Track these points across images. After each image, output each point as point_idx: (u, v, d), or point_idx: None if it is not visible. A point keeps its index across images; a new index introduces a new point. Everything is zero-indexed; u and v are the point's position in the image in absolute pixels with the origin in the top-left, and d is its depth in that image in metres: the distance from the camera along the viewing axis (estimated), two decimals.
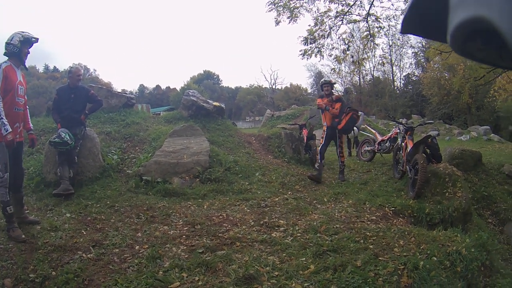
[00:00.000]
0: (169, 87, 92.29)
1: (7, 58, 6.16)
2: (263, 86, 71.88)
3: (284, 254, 5.32)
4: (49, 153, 8.55)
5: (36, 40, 6.39)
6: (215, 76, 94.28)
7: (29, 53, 6.37)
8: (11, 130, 5.78)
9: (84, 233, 6.04)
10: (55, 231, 6.01)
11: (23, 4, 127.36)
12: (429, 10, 0.71)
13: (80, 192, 7.97)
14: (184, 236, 5.99)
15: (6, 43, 6.13)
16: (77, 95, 8.50)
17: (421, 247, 5.48)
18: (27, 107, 6.70)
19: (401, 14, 14.76)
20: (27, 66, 6.61)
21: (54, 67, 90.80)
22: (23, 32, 6.24)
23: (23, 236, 5.79)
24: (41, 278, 4.76)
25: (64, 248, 5.47)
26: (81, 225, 6.40)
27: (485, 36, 0.58)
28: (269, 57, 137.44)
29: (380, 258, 5.08)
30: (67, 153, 8.04)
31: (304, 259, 5.12)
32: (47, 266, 5.00)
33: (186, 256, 5.29)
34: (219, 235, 6.05)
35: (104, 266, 5.06)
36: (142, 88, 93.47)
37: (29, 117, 6.82)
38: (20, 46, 6.13)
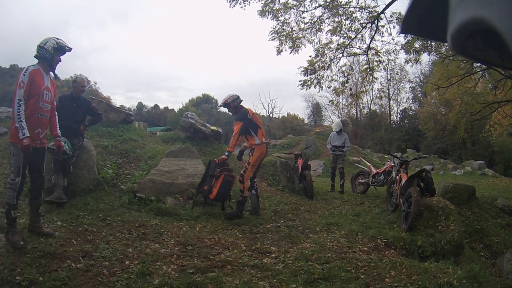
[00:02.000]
0: (167, 107, 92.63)
1: (37, 61, 6.11)
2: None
3: (274, 280, 5.29)
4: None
5: (70, 49, 6.35)
6: (213, 101, 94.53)
7: (60, 61, 6.29)
8: (28, 135, 5.67)
9: (75, 242, 5.97)
10: (45, 238, 5.94)
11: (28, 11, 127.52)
12: (429, 11, 0.72)
13: (72, 202, 7.93)
14: (175, 256, 5.94)
15: (39, 46, 6.07)
16: (78, 105, 8.54)
17: (412, 278, 5.46)
18: (56, 113, 6.59)
19: (400, 49, 14.97)
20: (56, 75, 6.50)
21: (56, 75, 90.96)
22: (58, 39, 6.21)
23: (22, 242, 5.68)
24: (28, 282, 4.68)
25: (53, 256, 5.40)
26: (71, 234, 6.33)
27: (485, 36, 0.59)
28: (268, 86, 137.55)
29: None
30: (64, 162, 8.04)
31: (295, 286, 5.10)
32: (35, 271, 4.93)
33: (176, 275, 5.23)
34: (210, 257, 6.01)
35: (93, 277, 4.99)
36: (140, 106, 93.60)
37: (57, 124, 6.69)
38: (53, 53, 6.08)
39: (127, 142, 11.84)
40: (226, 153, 9.08)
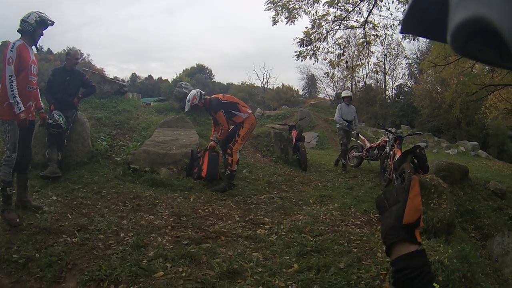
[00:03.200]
0: (161, 78, 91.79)
1: (20, 35, 6.12)
2: (255, 85, 71.64)
3: (268, 252, 5.35)
4: (38, 134, 8.51)
5: (52, 23, 6.36)
6: (207, 71, 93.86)
7: (42, 34, 6.32)
8: (24, 109, 5.78)
9: (70, 217, 6.02)
10: (41, 213, 5.99)
11: None
12: (429, 10, 0.72)
13: (67, 176, 7.95)
14: (169, 227, 6.00)
15: (22, 20, 6.09)
16: (72, 78, 8.49)
17: None
18: (37, 86, 6.60)
19: (398, 24, 14.80)
20: (38, 48, 6.55)
21: (48, 49, 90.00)
22: (40, 12, 6.21)
23: (18, 220, 5.73)
24: (25, 259, 4.73)
25: (49, 231, 5.45)
26: (66, 208, 6.38)
27: (485, 36, 0.60)
28: (263, 56, 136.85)
29: (363, 262, 5.12)
30: (58, 136, 8.04)
31: (288, 257, 5.15)
32: (31, 248, 4.98)
33: (171, 246, 5.30)
34: (204, 228, 6.07)
35: (88, 251, 5.04)
36: (134, 77, 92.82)
37: (39, 96, 6.74)
38: (35, 26, 6.10)
39: (121, 114, 11.81)
40: (215, 139, 9.00)
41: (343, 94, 13.05)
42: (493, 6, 0.53)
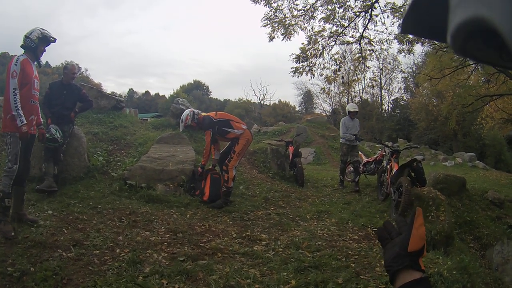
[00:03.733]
0: (158, 93, 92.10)
1: (23, 51, 6.22)
2: (252, 101, 71.90)
3: (265, 268, 5.30)
4: (35, 148, 8.44)
5: (54, 40, 6.49)
6: (204, 87, 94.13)
7: (45, 51, 6.44)
8: (26, 122, 5.84)
9: (65, 231, 5.97)
10: (36, 227, 5.95)
11: None
12: (429, 10, 0.71)
13: (63, 190, 7.92)
14: (165, 243, 5.95)
15: (25, 36, 6.20)
16: (69, 92, 8.51)
17: None
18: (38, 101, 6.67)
19: (394, 39, 14.91)
20: (41, 64, 6.63)
21: (47, 62, 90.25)
22: (43, 29, 6.32)
23: (13, 233, 5.69)
24: (19, 272, 4.67)
25: (44, 245, 5.40)
26: (62, 223, 6.33)
27: (485, 36, 0.59)
28: (260, 73, 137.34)
29: (361, 277, 5.07)
30: (54, 150, 8.02)
31: (285, 273, 5.09)
32: (26, 262, 4.92)
33: (167, 263, 5.25)
34: (201, 244, 6.02)
35: (84, 266, 4.99)
36: (131, 92, 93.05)
37: (39, 112, 6.79)
38: (37, 42, 6.21)
39: (117, 129, 11.82)
40: (200, 165, 9.12)
41: (349, 109, 12.74)
42: (493, 7, 0.52)
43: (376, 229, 7.75)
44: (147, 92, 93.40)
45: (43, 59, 6.52)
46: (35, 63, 6.35)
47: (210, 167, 9.22)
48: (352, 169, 12.51)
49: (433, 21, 0.71)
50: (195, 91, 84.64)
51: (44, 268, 4.77)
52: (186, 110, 9.28)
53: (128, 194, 8.30)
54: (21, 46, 6.24)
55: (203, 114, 9.13)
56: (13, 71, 5.89)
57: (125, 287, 4.43)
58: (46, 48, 6.45)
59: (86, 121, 11.76)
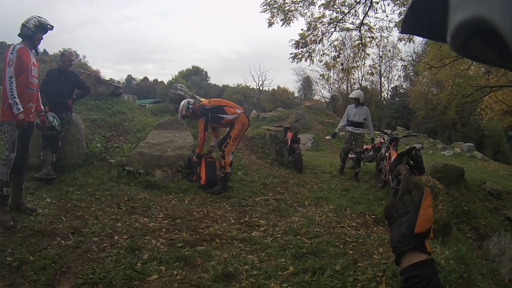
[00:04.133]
0: (156, 80, 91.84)
1: (21, 39, 6.23)
2: (250, 87, 71.72)
3: (263, 254, 5.32)
4: (33, 136, 8.45)
5: (51, 27, 6.48)
6: (203, 73, 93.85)
7: (42, 39, 6.44)
8: (22, 110, 5.84)
9: (64, 219, 5.98)
10: (35, 216, 5.96)
11: None
12: (429, 10, 0.71)
13: (61, 178, 7.93)
14: (164, 229, 5.97)
15: (22, 24, 6.21)
16: (66, 79, 8.48)
17: None
18: (38, 88, 6.70)
19: (394, 26, 14.82)
20: (38, 51, 6.65)
21: (44, 50, 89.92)
22: (40, 17, 6.31)
23: (12, 223, 5.71)
24: (18, 262, 4.68)
25: (43, 233, 5.40)
26: (61, 211, 6.34)
27: (485, 36, 0.59)
28: (259, 59, 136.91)
29: (359, 264, 5.09)
30: (52, 138, 8.01)
31: (283, 260, 5.11)
32: (25, 251, 4.93)
33: (165, 249, 5.26)
34: (199, 230, 6.04)
35: (82, 254, 4.99)
36: (129, 78, 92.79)
37: (40, 99, 6.83)
38: (34, 30, 6.22)
39: (115, 115, 11.82)
40: (195, 155, 9.17)
41: (350, 95, 12.51)
42: (493, 6, 0.52)
43: (373, 216, 7.79)
44: (145, 78, 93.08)
45: (41, 47, 6.53)
46: (32, 51, 6.33)
47: (205, 153, 9.25)
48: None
49: (433, 21, 0.71)
50: (194, 77, 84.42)
51: (43, 257, 4.77)
52: (182, 101, 9.35)
53: (127, 181, 8.33)
54: (18, 35, 6.25)
55: (200, 101, 9.13)
56: (9, 59, 5.91)
57: (124, 274, 4.43)
58: (43, 36, 6.43)
59: (84, 108, 11.75)
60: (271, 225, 6.62)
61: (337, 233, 6.36)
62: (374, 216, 7.82)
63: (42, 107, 7.01)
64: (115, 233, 5.68)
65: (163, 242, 5.50)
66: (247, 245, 5.66)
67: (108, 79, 16.40)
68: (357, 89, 13.26)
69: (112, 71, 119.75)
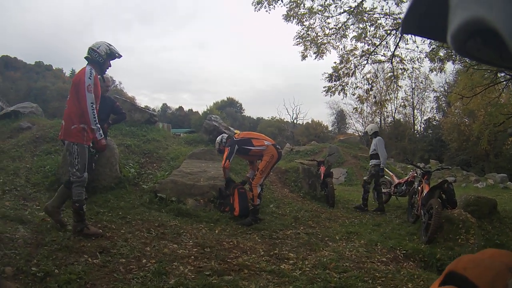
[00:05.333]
0: (191, 109, 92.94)
1: (87, 62, 6.31)
2: (284, 120, 71.92)
3: (291, 287, 5.24)
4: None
5: (119, 56, 6.61)
6: (238, 105, 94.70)
7: (110, 66, 6.57)
8: (103, 136, 6.11)
9: (93, 238, 5.99)
10: (64, 232, 6.02)
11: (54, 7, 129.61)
12: (429, 10, 0.70)
13: (93, 199, 7.97)
14: (192, 257, 5.94)
15: (91, 48, 6.30)
16: (103, 104, 8.58)
17: None
18: None
19: (425, 57, 14.78)
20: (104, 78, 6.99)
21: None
22: (110, 45, 6.44)
23: (100, 230, 6.11)
24: (43, 273, 4.69)
25: (71, 249, 5.45)
26: None
27: (485, 36, 0.57)
28: (293, 91, 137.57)
29: None
30: None
31: None
32: (51, 263, 4.96)
33: (193, 276, 5.22)
34: (228, 260, 5.99)
35: (109, 273, 5.01)
36: (165, 107, 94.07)
37: None
38: (105, 58, 6.35)
39: (150, 142, 11.97)
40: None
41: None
42: (493, 7, 0.51)
43: (404, 252, 7.66)
44: (180, 108, 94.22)
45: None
46: (99, 76, 6.46)
47: (238, 183, 9.21)
48: (383, 190, 12.39)
49: (433, 21, 0.70)
50: (228, 108, 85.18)
51: (69, 271, 4.79)
52: (218, 137, 9.52)
53: (158, 207, 8.36)
54: (85, 58, 6.32)
55: (235, 133, 9.24)
56: (87, 84, 5.97)
57: None
58: (111, 62, 6.56)
59: (119, 133, 11.92)
60: (300, 259, 6.51)
61: (367, 268, 6.25)
62: (404, 252, 7.66)
63: None
64: (143, 257, 5.67)
65: (190, 269, 5.46)
66: (275, 277, 5.58)
67: (143, 107, 16.68)
68: (371, 123, 13.18)
69: (147, 98, 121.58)
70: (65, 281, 4.61)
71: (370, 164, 12.27)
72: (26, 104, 15.27)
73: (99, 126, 5.97)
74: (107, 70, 6.59)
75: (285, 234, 8.12)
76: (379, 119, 57.37)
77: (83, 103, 5.95)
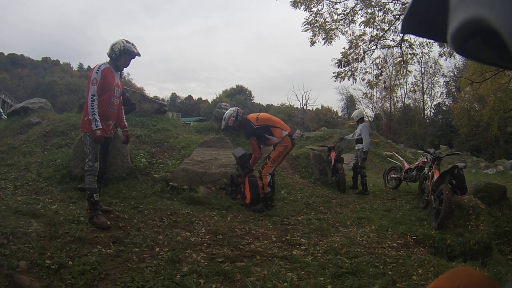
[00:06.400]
0: (201, 98, 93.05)
1: (108, 59, 6.59)
2: (294, 106, 71.76)
3: (303, 272, 5.28)
4: (78, 148, 8.73)
5: (138, 54, 6.76)
6: (247, 92, 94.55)
7: (129, 64, 6.73)
8: (100, 127, 6.11)
9: (106, 229, 6.06)
10: (77, 224, 6.07)
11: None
12: (429, 10, 0.71)
13: (105, 190, 8.04)
14: (205, 244, 5.99)
15: (111, 45, 6.55)
16: None
17: None
18: (120, 107, 7.02)
19: (434, 41, 14.68)
20: (123, 75, 7.09)
21: (88, 66, 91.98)
22: (127, 42, 6.60)
23: (109, 222, 6.15)
24: (57, 265, 4.76)
25: (84, 241, 5.51)
26: None
27: (485, 36, 0.59)
28: (302, 77, 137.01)
29: (398, 285, 5.00)
30: None
31: (323, 279, 5.06)
32: (65, 255, 5.02)
33: (206, 263, 5.27)
34: (240, 247, 6.04)
35: (122, 263, 5.07)
36: (174, 96, 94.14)
37: (124, 116, 7.20)
38: (118, 54, 6.51)
39: (160, 132, 12.00)
40: (248, 166, 9.04)
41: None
42: (493, 7, 0.53)
43: (415, 237, 7.67)
44: (189, 97, 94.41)
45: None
46: (118, 71, 6.65)
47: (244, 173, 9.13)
48: (394, 176, 12.38)
49: (433, 21, 0.72)
50: (238, 96, 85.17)
51: (83, 262, 4.86)
52: (230, 109, 9.06)
53: (170, 196, 8.41)
54: (107, 54, 6.58)
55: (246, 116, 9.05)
56: (93, 78, 6.23)
57: (162, 285, 4.47)
58: (131, 60, 6.72)
59: (129, 123, 11.85)
60: (312, 244, 6.56)
61: (378, 253, 6.26)
62: (415, 237, 7.68)
63: (126, 123, 7.31)
64: (156, 245, 5.73)
65: (203, 257, 5.51)
66: (287, 263, 5.62)
67: (152, 97, 16.70)
68: (358, 110, 13.09)
69: (156, 88, 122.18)
70: (79, 272, 4.68)
71: (356, 148, 12.59)
72: (35, 100, 15.36)
73: (96, 117, 6.06)
74: (124, 67, 6.74)
75: (296, 220, 8.16)
76: (389, 104, 57.16)
77: (86, 94, 6.22)
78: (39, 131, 11.59)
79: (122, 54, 6.51)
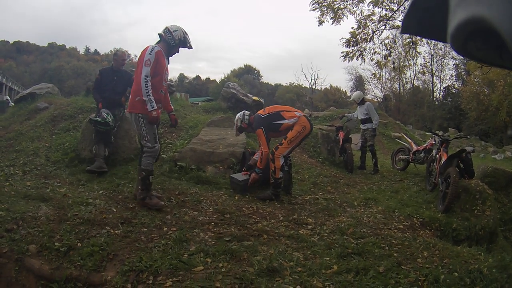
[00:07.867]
0: (209, 78, 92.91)
1: (158, 40, 6.57)
2: (303, 86, 71.53)
3: (309, 252, 5.32)
4: (86, 131, 8.80)
5: (191, 47, 6.81)
6: (255, 71, 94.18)
7: (178, 52, 6.76)
8: (156, 107, 6.17)
9: (114, 210, 6.14)
10: (86, 206, 6.13)
11: None
12: (429, 10, 0.72)
13: (113, 171, 8.16)
14: (212, 223, 6.04)
15: (167, 28, 6.53)
16: (119, 78, 8.76)
17: (444, 261, 5.34)
18: (167, 91, 7.10)
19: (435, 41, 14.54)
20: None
21: (95, 50, 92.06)
22: (186, 34, 6.63)
23: (162, 202, 6.33)
24: (66, 247, 4.83)
25: (93, 222, 5.57)
26: (112, 202, 6.52)
27: (485, 36, 0.60)
28: (311, 56, 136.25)
29: (402, 267, 5.02)
30: (105, 133, 8.28)
31: (328, 258, 5.09)
32: (74, 237, 5.09)
33: (213, 242, 5.33)
34: (248, 226, 6.09)
35: (131, 243, 5.13)
36: (182, 77, 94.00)
37: (170, 100, 7.25)
38: (177, 43, 6.55)
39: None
40: (257, 170, 8.04)
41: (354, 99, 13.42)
42: (493, 7, 0.53)
43: (421, 220, 7.69)
44: (197, 77, 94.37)
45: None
46: (168, 56, 6.65)
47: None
48: (402, 157, 12.38)
49: (433, 21, 0.73)
50: (246, 75, 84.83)
51: (91, 244, 4.93)
52: (238, 114, 8.63)
53: (178, 175, 8.46)
54: (158, 34, 6.56)
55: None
56: (146, 59, 6.20)
57: (170, 264, 4.53)
58: (179, 50, 6.73)
59: None
60: (319, 224, 6.61)
61: (384, 234, 6.30)
62: (421, 220, 7.70)
63: (172, 107, 7.39)
64: (164, 225, 5.79)
65: (211, 236, 5.57)
66: (294, 242, 5.66)
67: None
68: (357, 91, 12.98)
69: None
70: (87, 253, 4.75)
71: (362, 127, 12.76)
72: (41, 85, 15.48)
73: (151, 98, 6.08)
74: (174, 54, 6.73)
75: (304, 199, 8.21)
76: (398, 85, 56.84)
77: (138, 75, 6.19)
78: (47, 116, 11.69)
79: (180, 44, 6.56)
